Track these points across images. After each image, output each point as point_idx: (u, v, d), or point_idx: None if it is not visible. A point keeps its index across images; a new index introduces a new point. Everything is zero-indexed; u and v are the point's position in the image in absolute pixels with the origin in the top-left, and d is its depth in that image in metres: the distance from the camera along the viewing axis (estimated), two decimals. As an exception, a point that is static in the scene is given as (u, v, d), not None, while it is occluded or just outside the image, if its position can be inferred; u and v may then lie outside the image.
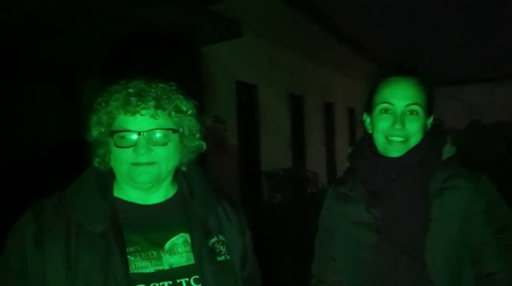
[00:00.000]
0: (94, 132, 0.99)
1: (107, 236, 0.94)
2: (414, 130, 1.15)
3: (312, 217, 1.37)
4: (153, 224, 1.01)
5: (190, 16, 4.40)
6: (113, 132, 0.97)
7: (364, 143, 1.26)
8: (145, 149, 0.96)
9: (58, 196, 1.01)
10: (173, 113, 0.99)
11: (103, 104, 0.98)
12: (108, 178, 1.04)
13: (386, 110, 1.16)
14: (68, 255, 0.92)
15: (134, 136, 0.96)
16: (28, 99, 4.76)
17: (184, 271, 0.97)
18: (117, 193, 1.03)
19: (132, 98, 0.96)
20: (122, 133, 0.96)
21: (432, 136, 1.19)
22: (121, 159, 0.97)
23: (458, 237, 1.09)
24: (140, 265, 0.95)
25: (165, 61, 4.57)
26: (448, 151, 1.19)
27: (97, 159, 1.01)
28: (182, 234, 1.02)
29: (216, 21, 4.83)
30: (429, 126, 1.21)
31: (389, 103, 1.16)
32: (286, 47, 7.73)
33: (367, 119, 1.24)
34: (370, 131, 1.23)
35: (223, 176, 5.82)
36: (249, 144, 6.83)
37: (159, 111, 0.97)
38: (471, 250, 1.09)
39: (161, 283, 0.94)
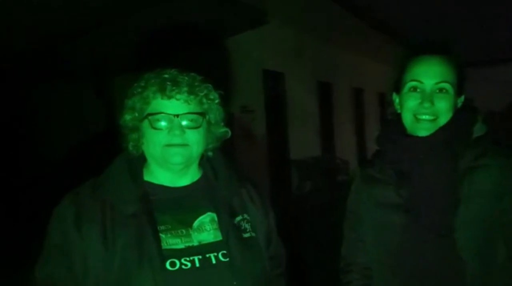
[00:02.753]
0: (128, 117, 1.06)
1: (140, 217, 1.00)
2: (443, 109, 1.13)
3: (342, 205, 1.37)
4: (182, 205, 1.07)
5: (214, 6, 4.41)
6: (148, 115, 1.03)
7: (391, 124, 1.25)
8: (180, 130, 1.02)
9: (93, 181, 1.08)
10: (204, 100, 1.06)
11: (139, 89, 1.05)
12: (138, 163, 1.10)
13: (415, 89, 1.15)
14: (105, 235, 0.99)
15: (170, 119, 1.02)
16: (62, 97, 4.93)
17: (213, 247, 1.03)
18: (147, 177, 1.10)
19: (168, 83, 1.03)
20: (158, 116, 1.02)
21: (461, 115, 1.17)
22: (156, 141, 1.03)
23: (488, 215, 1.07)
24: (171, 242, 1.01)
25: (192, 53, 4.61)
26: (478, 130, 1.17)
27: (131, 143, 1.08)
28: (209, 213, 1.08)
29: (240, 10, 4.82)
30: (459, 105, 1.19)
31: (418, 81, 1.14)
32: (313, 34, 7.63)
33: (396, 99, 1.23)
34: (398, 111, 1.21)
35: (252, 165, 5.85)
36: (277, 133, 6.83)
37: (191, 97, 1.04)
38: (503, 229, 1.08)
39: (191, 258, 1.00)
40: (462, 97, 1.20)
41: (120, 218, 1.00)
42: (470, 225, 1.07)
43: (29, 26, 3.69)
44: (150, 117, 1.02)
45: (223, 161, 1.16)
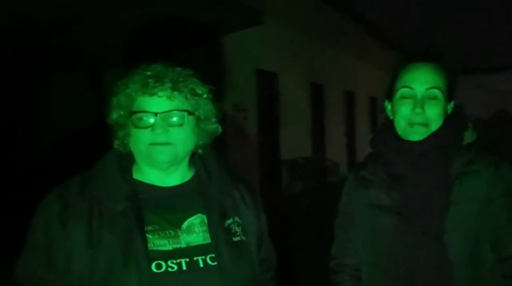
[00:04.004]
0: (114, 115, 1.04)
1: (128, 215, 0.98)
2: (434, 115, 1.16)
3: (332, 206, 1.38)
4: (171, 205, 1.04)
5: (211, 4, 4.41)
6: (132, 113, 1.01)
7: (385, 128, 1.27)
8: (162, 129, 0.99)
9: (81, 176, 1.05)
10: (189, 96, 1.03)
11: (123, 87, 1.02)
12: (128, 160, 1.08)
13: (406, 96, 1.17)
14: (91, 233, 0.96)
15: (152, 118, 0.99)
16: (54, 87, 4.89)
17: (201, 250, 1.00)
18: (136, 175, 1.07)
19: (150, 80, 0.99)
20: (140, 114, 1.00)
21: (453, 121, 1.20)
22: (140, 140, 1.01)
23: (477, 220, 1.10)
24: (158, 243, 0.98)
25: (186, 49, 4.61)
26: (469, 136, 1.20)
27: (117, 141, 1.06)
28: (199, 214, 1.05)
29: (237, 9, 4.82)
30: (450, 111, 1.22)
31: (409, 87, 1.17)
32: (308, 35, 7.66)
33: (388, 105, 1.26)
34: (391, 118, 1.24)
35: (242, 164, 5.86)
36: (269, 132, 6.85)
37: (175, 93, 1.00)
38: (491, 234, 1.10)
39: (178, 260, 0.97)
40: (452, 103, 1.22)
41: (107, 216, 0.97)
42: (459, 228, 1.10)
43: (23, 18, 3.66)
44: (133, 116, 1.00)
45: (216, 160, 1.12)
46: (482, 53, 10.05)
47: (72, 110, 4.75)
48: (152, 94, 0.99)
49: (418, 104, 1.15)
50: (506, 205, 1.10)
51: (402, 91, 1.18)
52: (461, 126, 1.20)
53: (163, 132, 0.99)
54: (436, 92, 1.15)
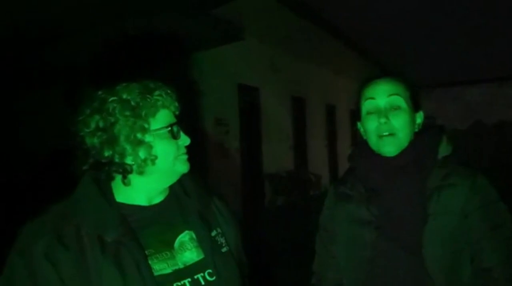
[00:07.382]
0: (139, 135, 0.97)
1: (124, 243, 0.92)
2: (399, 124, 1.17)
3: (315, 219, 1.39)
4: (159, 223, 1.01)
5: (192, 20, 4.44)
6: (171, 125, 1.01)
7: (363, 145, 1.29)
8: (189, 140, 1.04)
9: (59, 207, 0.97)
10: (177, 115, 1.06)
11: (149, 100, 0.98)
12: (106, 183, 1.00)
13: (371, 110, 1.20)
14: (87, 269, 0.89)
15: (178, 129, 1.02)
16: (32, 103, 4.80)
17: (198, 267, 0.99)
18: (119, 198, 1.00)
19: (169, 92, 1.02)
20: (175, 126, 1.02)
21: (427, 135, 1.22)
22: (171, 151, 1.01)
23: (455, 233, 1.11)
24: (159, 267, 0.95)
25: (165, 65, 4.60)
26: (444, 149, 1.21)
27: (136, 163, 0.97)
28: (187, 231, 1.03)
29: (217, 25, 4.86)
30: (419, 121, 1.24)
31: (371, 98, 1.19)
32: (288, 50, 7.75)
33: (360, 127, 1.28)
34: (364, 137, 1.26)
35: (225, 179, 5.84)
36: (251, 146, 6.85)
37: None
38: (469, 246, 1.12)
39: (182, 282, 0.95)
40: (421, 114, 1.24)
41: (101, 247, 0.90)
42: (437, 241, 1.11)
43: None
44: (173, 127, 1.01)
45: (190, 174, 1.10)
46: (459, 66, 10.35)
47: (46, 128, 4.67)
48: (170, 109, 1.02)
49: (382, 115, 1.17)
50: (483, 217, 1.12)
51: (366, 104, 1.20)
52: (436, 140, 1.22)
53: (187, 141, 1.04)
54: (398, 99, 1.17)
